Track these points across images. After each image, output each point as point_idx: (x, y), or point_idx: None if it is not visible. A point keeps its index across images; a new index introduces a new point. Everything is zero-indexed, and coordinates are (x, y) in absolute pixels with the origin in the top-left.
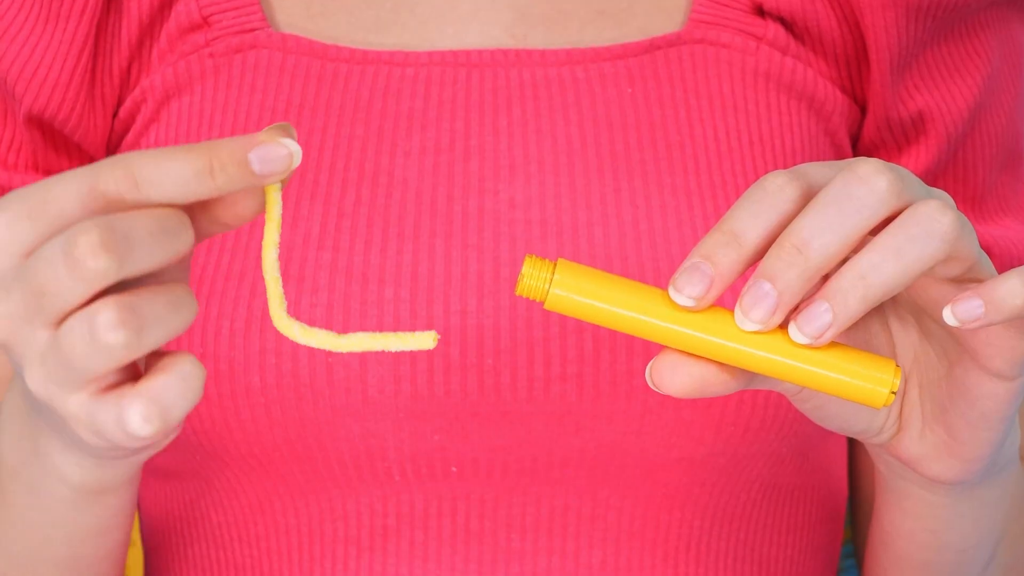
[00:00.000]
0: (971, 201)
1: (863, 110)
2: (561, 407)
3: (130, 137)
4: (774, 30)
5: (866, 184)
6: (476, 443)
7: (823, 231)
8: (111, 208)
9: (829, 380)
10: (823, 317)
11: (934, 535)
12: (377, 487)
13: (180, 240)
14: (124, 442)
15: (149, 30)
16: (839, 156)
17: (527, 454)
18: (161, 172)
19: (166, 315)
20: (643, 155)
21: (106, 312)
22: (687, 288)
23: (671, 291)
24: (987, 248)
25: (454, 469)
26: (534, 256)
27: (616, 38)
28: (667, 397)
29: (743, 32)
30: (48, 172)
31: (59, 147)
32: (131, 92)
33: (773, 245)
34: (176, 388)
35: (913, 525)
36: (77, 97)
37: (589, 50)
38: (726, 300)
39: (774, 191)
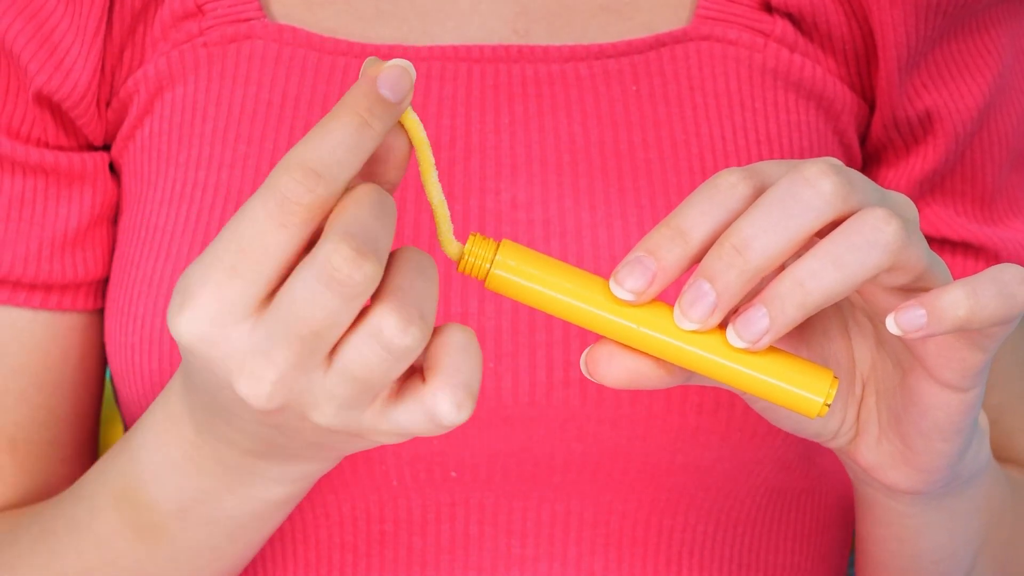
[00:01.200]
0: (980, 202)
1: (872, 108)
2: (564, 411)
3: (125, 129)
4: (782, 26)
5: (811, 186)
6: (476, 447)
7: (764, 232)
8: (312, 213)
9: (764, 385)
10: (760, 322)
11: (903, 544)
12: (374, 492)
13: (391, 205)
14: (433, 432)
15: (142, 14)
16: (848, 155)
17: (528, 459)
18: (329, 149)
19: (424, 289)
20: (648, 154)
21: (389, 318)
22: (628, 281)
23: (612, 284)
24: (995, 251)
25: (454, 474)
26: (478, 234)
27: (620, 34)
28: (672, 402)
29: (750, 28)
30: (58, 149)
31: (67, 129)
32: (124, 82)
33: (714, 244)
34: (468, 363)
35: (884, 532)
36: (89, 85)
37: (593, 46)
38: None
39: (726, 188)
